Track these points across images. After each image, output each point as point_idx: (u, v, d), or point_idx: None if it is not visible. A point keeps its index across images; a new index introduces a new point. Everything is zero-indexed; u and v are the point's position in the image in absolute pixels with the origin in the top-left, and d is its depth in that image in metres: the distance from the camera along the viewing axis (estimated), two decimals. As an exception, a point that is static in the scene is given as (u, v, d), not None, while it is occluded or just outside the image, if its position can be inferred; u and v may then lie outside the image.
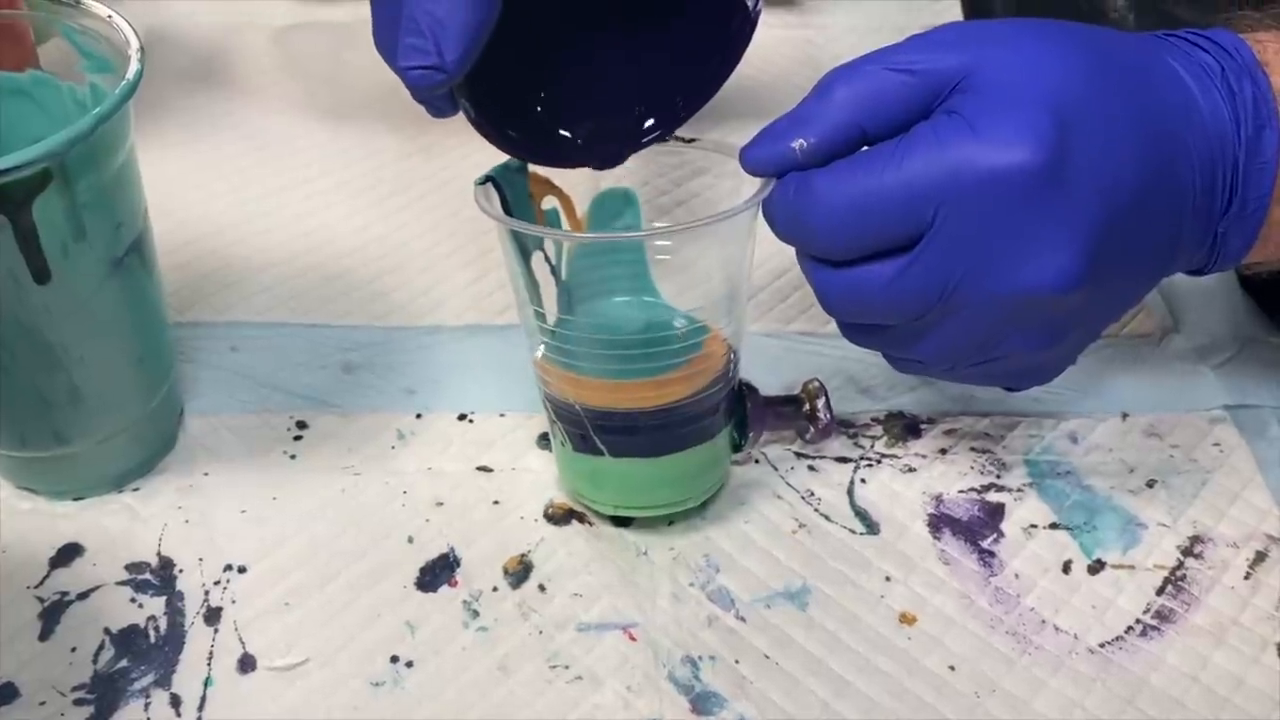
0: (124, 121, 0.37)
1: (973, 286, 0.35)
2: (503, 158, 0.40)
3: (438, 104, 0.40)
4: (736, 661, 0.39)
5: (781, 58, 0.70)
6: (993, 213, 0.34)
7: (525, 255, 0.40)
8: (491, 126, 0.40)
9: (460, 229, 0.56)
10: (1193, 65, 0.37)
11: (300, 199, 0.58)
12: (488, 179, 0.40)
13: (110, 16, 0.39)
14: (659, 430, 0.40)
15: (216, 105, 0.64)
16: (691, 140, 0.41)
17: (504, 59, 0.38)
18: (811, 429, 0.44)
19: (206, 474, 0.45)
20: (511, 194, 0.41)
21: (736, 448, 0.44)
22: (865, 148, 0.37)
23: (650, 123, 0.42)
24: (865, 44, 0.70)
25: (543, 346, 0.41)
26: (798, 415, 0.44)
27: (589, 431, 0.40)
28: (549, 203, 0.42)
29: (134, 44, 0.38)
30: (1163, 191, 0.36)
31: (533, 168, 0.41)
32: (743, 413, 0.42)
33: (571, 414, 0.40)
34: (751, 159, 0.38)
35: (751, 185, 0.39)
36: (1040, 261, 0.35)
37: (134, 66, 0.37)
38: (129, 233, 0.39)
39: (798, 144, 0.37)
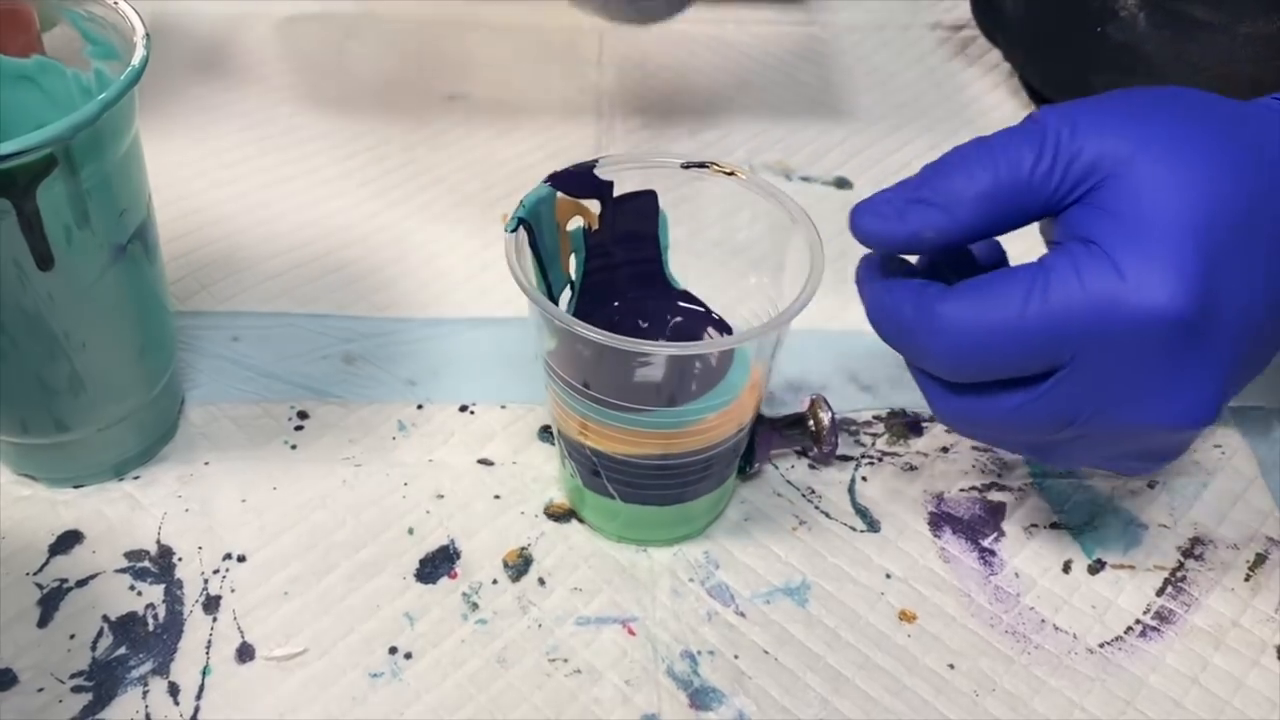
0: (129, 108, 0.37)
1: (1102, 419, 0.34)
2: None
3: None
4: (735, 657, 0.39)
5: (786, 53, 0.70)
6: (1132, 357, 0.33)
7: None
8: None
9: (463, 220, 0.56)
10: None
11: (303, 189, 0.58)
12: (519, 223, 0.39)
13: (116, 3, 0.39)
14: (677, 479, 0.40)
15: (220, 95, 0.63)
16: (732, 173, 0.41)
17: None
18: (817, 448, 0.44)
19: (207, 463, 0.44)
20: (540, 226, 0.40)
21: (741, 471, 0.44)
22: (984, 268, 0.36)
23: None
24: (870, 40, 0.71)
25: (559, 390, 0.39)
26: (804, 436, 0.45)
27: (602, 475, 0.40)
28: (574, 223, 0.42)
29: (139, 30, 0.38)
30: None
31: (560, 196, 0.40)
32: (750, 438, 0.42)
33: (583, 455, 0.40)
34: (863, 230, 0.36)
35: (795, 236, 0.39)
36: (1177, 400, 0.34)
37: (140, 52, 0.37)
38: (133, 220, 0.39)
39: (924, 233, 0.35)
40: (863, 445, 0.47)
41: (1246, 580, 0.43)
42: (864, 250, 0.37)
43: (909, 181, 0.36)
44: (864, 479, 0.46)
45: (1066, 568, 0.43)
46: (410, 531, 0.43)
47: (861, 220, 0.36)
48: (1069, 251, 0.33)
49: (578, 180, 0.41)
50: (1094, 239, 0.33)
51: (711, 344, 0.40)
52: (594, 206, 0.42)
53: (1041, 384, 0.34)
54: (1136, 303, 0.32)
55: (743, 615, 0.41)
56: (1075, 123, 0.34)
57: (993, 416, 0.35)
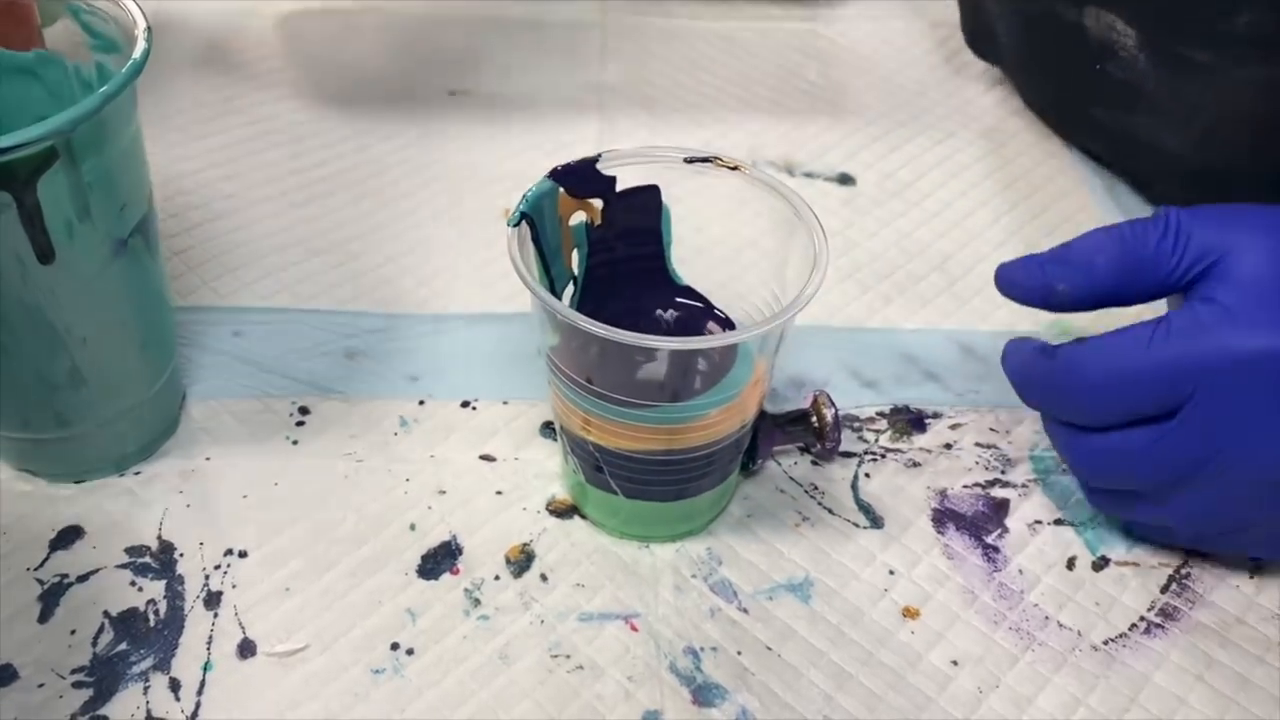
0: (130, 101, 0.37)
1: (1227, 458, 0.37)
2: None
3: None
4: (738, 653, 0.39)
5: (791, 50, 0.70)
6: (1248, 392, 0.36)
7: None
8: None
9: (465, 216, 0.56)
10: None
11: (304, 184, 0.57)
12: (521, 218, 0.39)
13: (117, -4, 0.39)
14: (679, 475, 0.40)
15: (221, 90, 0.63)
16: (736, 167, 0.41)
17: None
18: (819, 445, 0.44)
19: (208, 458, 0.44)
20: (542, 221, 0.40)
21: (744, 467, 0.43)
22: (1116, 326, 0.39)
23: None
24: (874, 38, 0.71)
25: (562, 386, 0.39)
26: (807, 432, 0.44)
27: (604, 471, 0.40)
28: (576, 218, 0.42)
29: (141, 23, 0.37)
30: None
31: (562, 191, 0.40)
32: (753, 434, 0.42)
33: (585, 450, 0.40)
34: (1008, 281, 0.42)
35: (799, 231, 0.39)
36: None
37: (141, 45, 0.37)
38: (134, 214, 0.38)
39: (1061, 288, 0.40)
40: (866, 441, 0.47)
41: (1251, 577, 0.43)
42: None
43: (1049, 250, 0.41)
44: (867, 475, 0.45)
45: (1070, 564, 0.43)
46: (412, 527, 0.42)
47: (1006, 271, 0.42)
48: (1189, 306, 0.38)
49: (580, 175, 0.41)
50: (1210, 297, 0.37)
51: (715, 339, 0.40)
52: (596, 201, 0.42)
53: (1168, 421, 0.37)
54: (1249, 341, 0.36)
55: (745, 612, 0.41)
56: (1194, 214, 0.39)
57: (1127, 455, 0.39)
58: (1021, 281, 0.41)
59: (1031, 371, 0.41)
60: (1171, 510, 0.40)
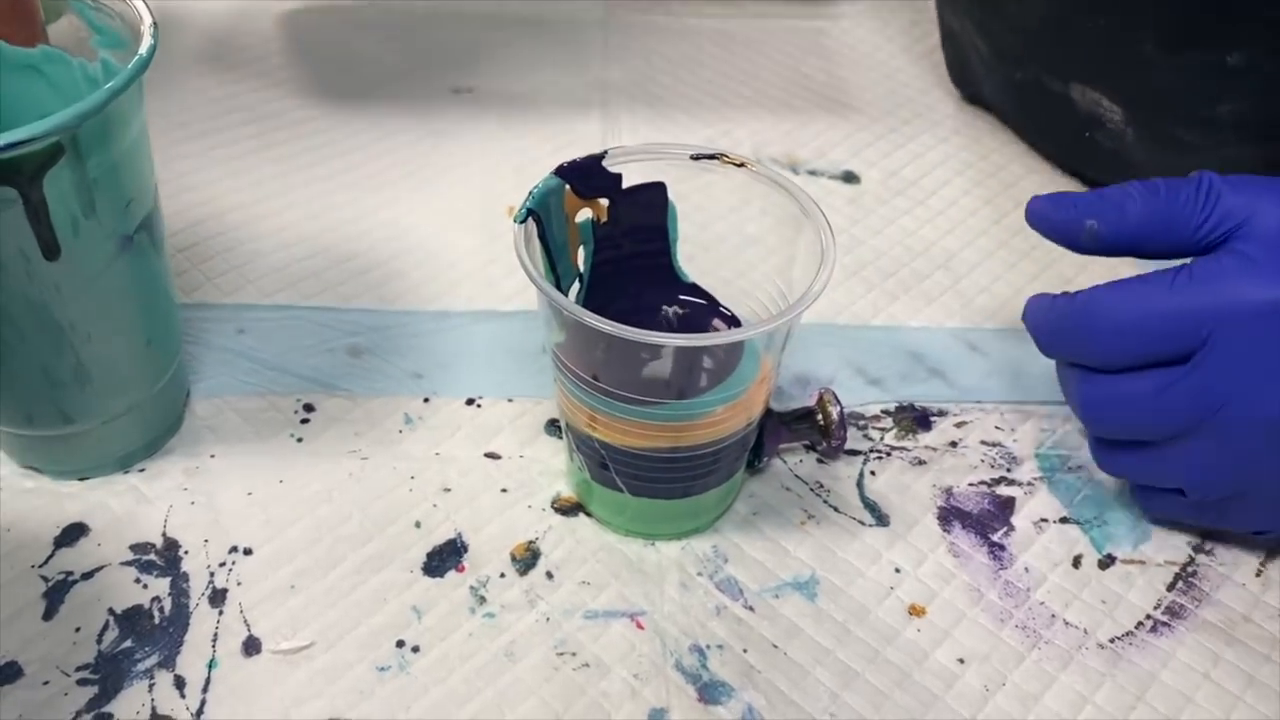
0: (136, 97, 0.37)
1: (1239, 407, 0.37)
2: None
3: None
4: (744, 651, 0.39)
5: (793, 47, 0.69)
6: (1263, 341, 0.36)
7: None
8: None
9: (468, 214, 0.56)
10: None
11: (308, 181, 0.57)
12: (528, 214, 0.39)
13: (122, -8, 0.39)
14: (685, 472, 0.40)
15: (226, 87, 0.63)
16: (742, 164, 0.41)
17: None
18: (825, 443, 0.44)
19: (213, 456, 0.44)
20: (548, 217, 0.40)
21: (749, 465, 0.43)
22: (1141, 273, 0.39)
23: None
24: (877, 35, 0.71)
25: (568, 383, 0.39)
26: (812, 430, 0.44)
27: (610, 468, 0.40)
28: (582, 215, 0.41)
29: (147, 19, 0.37)
30: None
31: (568, 188, 0.40)
32: (759, 431, 0.42)
33: (591, 448, 0.40)
34: (1040, 214, 0.42)
35: (806, 228, 0.39)
36: None
37: (147, 41, 0.36)
38: (139, 210, 0.38)
39: (1091, 224, 0.40)
40: (871, 439, 0.47)
41: (1258, 575, 0.43)
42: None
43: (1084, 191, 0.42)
44: (873, 473, 0.45)
45: (1077, 562, 0.43)
46: (417, 525, 0.42)
47: (1039, 204, 0.42)
48: (1214, 256, 0.38)
49: (587, 171, 0.40)
50: (1235, 249, 0.38)
51: (721, 336, 0.40)
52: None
53: (1181, 366, 0.38)
54: (1270, 290, 0.36)
55: (751, 609, 0.40)
56: (1227, 179, 0.39)
57: (1139, 400, 0.39)
58: (1052, 214, 0.41)
59: (1052, 313, 0.41)
60: (1176, 465, 0.40)
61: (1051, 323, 0.41)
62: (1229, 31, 0.50)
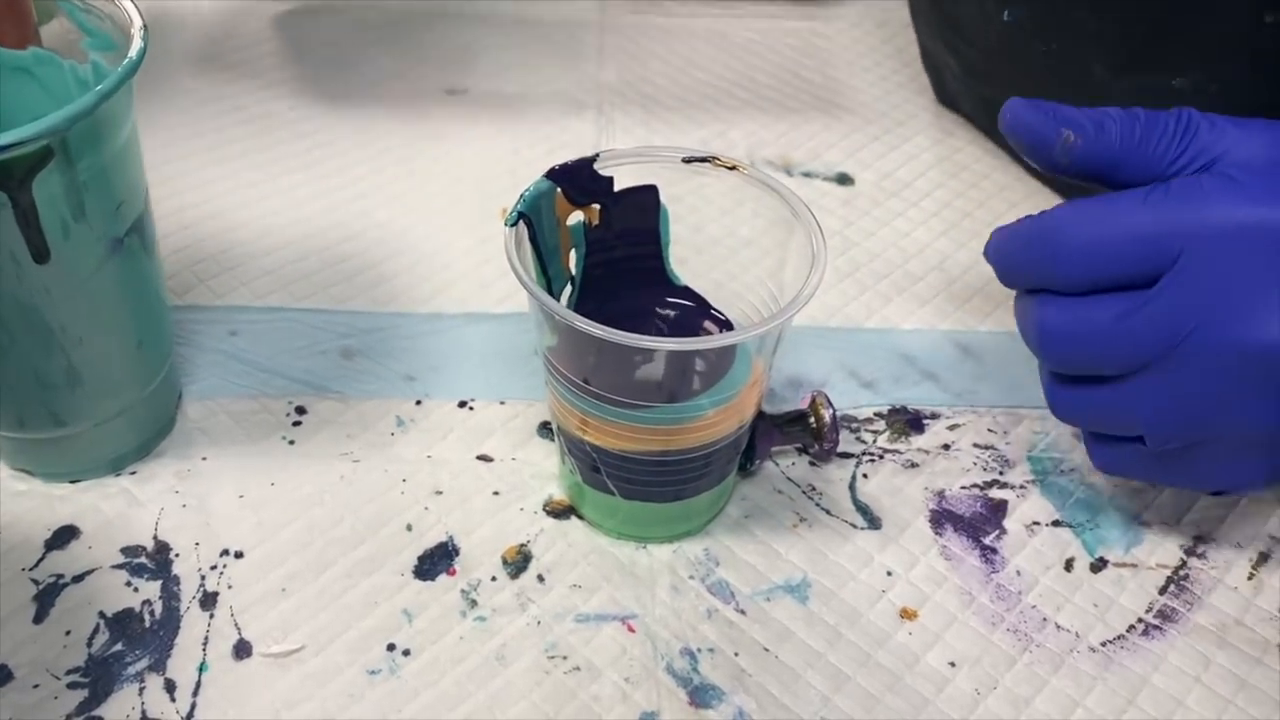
0: (126, 100, 0.37)
1: (1205, 334, 0.35)
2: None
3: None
4: (735, 654, 0.39)
5: (788, 49, 0.69)
6: (1235, 262, 0.35)
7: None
8: None
9: (462, 215, 0.56)
10: None
11: (300, 183, 0.57)
12: (519, 217, 0.39)
13: (113, -5, 0.38)
14: (677, 476, 0.40)
15: (217, 88, 0.63)
16: (734, 168, 0.41)
17: None
18: (817, 445, 0.44)
19: (204, 458, 0.44)
20: (540, 221, 0.40)
21: (741, 468, 0.43)
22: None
23: None
24: (872, 38, 0.71)
25: (559, 386, 0.39)
26: (804, 433, 0.44)
27: (602, 471, 0.40)
28: (574, 218, 0.41)
29: (137, 22, 0.37)
30: None
31: (560, 191, 0.40)
32: (751, 434, 0.42)
33: (582, 451, 0.40)
34: (1016, 118, 0.39)
35: (797, 231, 0.39)
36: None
37: (137, 44, 0.36)
38: (130, 213, 0.38)
39: (1068, 135, 0.38)
40: (863, 442, 0.47)
41: (1249, 579, 0.43)
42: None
43: None
44: (865, 476, 0.45)
45: (1068, 566, 0.43)
46: (409, 528, 0.42)
47: (1017, 107, 0.40)
48: (1193, 176, 0.36)
49: (578, 174, 0.40)
50: (1219, 171, 0.36)
51: (713, 339, 0.40)
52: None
53: (1149, 289, 0.36)
54: (1249, 209, 0.35)
55: (743, 613, 0.40)
56: (1206, 115, 0.38)
57: (1100, 325, 0.37)
58: (1031, 120, 0.39)
59: (1015, 236, 0.39)
60: (1135, 402, 0.37)
61: (1015, 246, 0.39)
62: (1171, 56, 0.49)
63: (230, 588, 0.40)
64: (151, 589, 0.40)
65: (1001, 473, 0.46)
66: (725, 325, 0.43)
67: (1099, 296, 0.37)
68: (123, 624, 0.39)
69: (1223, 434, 0.37)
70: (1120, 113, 0.38)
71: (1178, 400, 0.37)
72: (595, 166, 0.41)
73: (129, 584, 0.40)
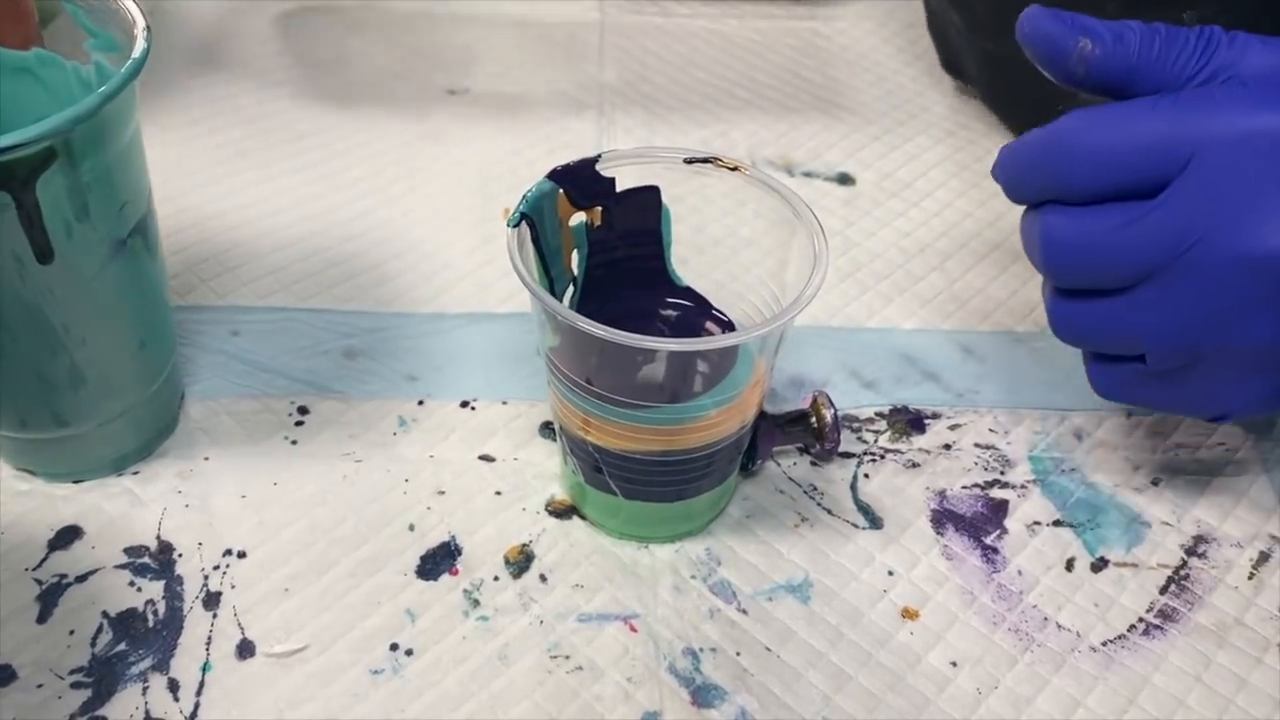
0: (129, 100, 0.37)
1: (1211, 243, 0.35)
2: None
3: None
4: (737, 654, 0.39)
5: (788, 49, 0.69)
6: (1244, 169, 0.34)
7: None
8: None
9: (464, 215, 0.56)
10: None
11: (303, 183, 0.57)
12: (521, 218, 0.39)
13: (116, -4, 0.39)
14: (679, 476, 0.40)
15: (219, 89, 0.63)
16: (735, 168, 0.41)
17: None
18: (819, 445, 0.44)
19: (207, 458, 0.44)
20: (542, 221, 0.40)
21: (743, 468, 0.43)
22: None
23: None
24: (873, 37, 0.71)
25: (562, 386, 0.39)
26: (806, 433, 0.44)
27: (604, 471, 0.40)
28: (576, 219, 0.41)
29: (140, 23, 0.37)
30: None
31: (562, 192, 0.40)
32: (753, 434, 0.42)
33: (585, 451, 0.40)
34: (1033, 25, 0.39)
35: (799, 231, 0.39)
36: None
37: (140, 45, 0.36)
38: (133, 214, 0.38)
39: (1085, 43, 0.37)
40: (865, 442, 0.47)
41: (1250, 578, 0.43)
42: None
43: None
44: (866, 476, 0.45)
45: (1069, 565, 0.43)
46: (411, 528, 0.42)
47: (1036, 15, 0.39)
48: (1205, 86, 0.36)
49: (580, 175, 0.40)
50: (1233, 80, 0.36)
51: (715, 340, 0.40)
52: None
53: (1157, 196, 0.35)
54: (1260, 117, 0.34)
55: (744, 612, 0.41)
56: (1228, 33, 0.37)
57: (1107, 231, 0.36)
58: (1049, 29, 0.38)
59: (1023, 147, 0.39)
60: (1138, 315, 0.37)
61: (1023, 157, 0.39)
62: None
63: (233, 587, 0.40)
64: (155, 589, 0.40)
65: (1003, 473, 0.46)
66: (727, 326, 0.43)
67: (1106, 205, 0.37)
68: (126, 624, 0.39)
69: (1227, 346, 0.37)
70: (1141, 25, 0.38)
71: (1181, 311, 0.36)
72: (597, 167, 0.41)
73: (132, 584, 0.40)
